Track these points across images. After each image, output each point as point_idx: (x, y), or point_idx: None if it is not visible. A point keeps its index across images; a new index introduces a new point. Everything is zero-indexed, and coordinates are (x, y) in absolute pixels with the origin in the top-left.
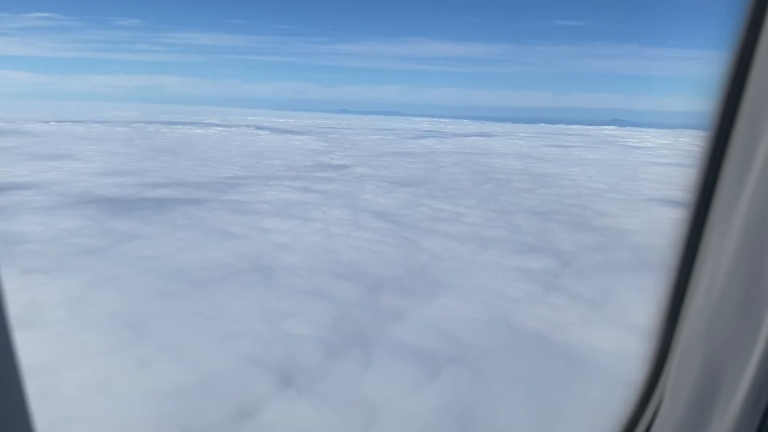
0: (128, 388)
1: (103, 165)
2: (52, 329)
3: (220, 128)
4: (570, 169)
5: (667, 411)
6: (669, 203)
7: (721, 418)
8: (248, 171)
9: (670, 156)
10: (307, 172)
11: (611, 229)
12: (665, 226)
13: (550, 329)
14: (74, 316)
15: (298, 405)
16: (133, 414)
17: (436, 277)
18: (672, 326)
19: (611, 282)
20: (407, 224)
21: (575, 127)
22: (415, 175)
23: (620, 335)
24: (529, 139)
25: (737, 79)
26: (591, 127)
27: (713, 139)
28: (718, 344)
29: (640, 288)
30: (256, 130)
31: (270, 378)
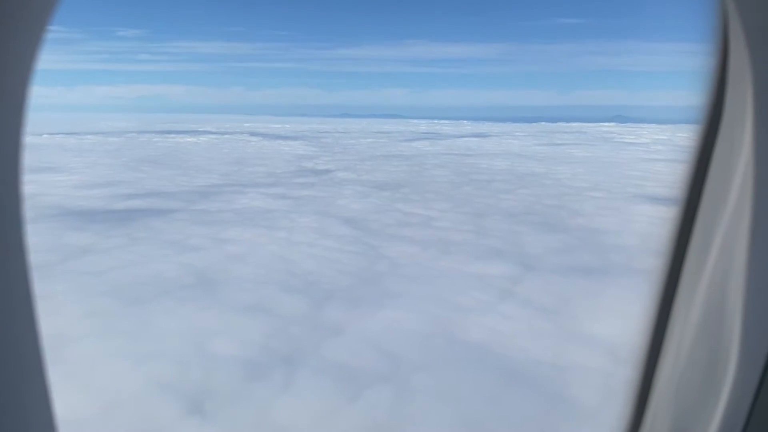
0: None
1: (82, 177)
2: None
3: (213, 136)
4: (556, 168)
5: None
6: (649, 200)
7: None
8: (227, 179)
9: (663, 152)
10: (287, 178)
11: (583, 229)
12: (639, 225)
13: (495, 341)
14: None
15: None
16: None
17: (388, 287)
18: (649, 376)
19: (570, 287)
20: (374, 230)
21: (575, 124)
22: (397, 178)
23: (566, 347)
24: (524, 139)
25: (720, 77)
26: (590, 125)
27: (701, 139)
28: (687, 401)
29: (598, 293)
30: (249, 137)
31: (178, 403)
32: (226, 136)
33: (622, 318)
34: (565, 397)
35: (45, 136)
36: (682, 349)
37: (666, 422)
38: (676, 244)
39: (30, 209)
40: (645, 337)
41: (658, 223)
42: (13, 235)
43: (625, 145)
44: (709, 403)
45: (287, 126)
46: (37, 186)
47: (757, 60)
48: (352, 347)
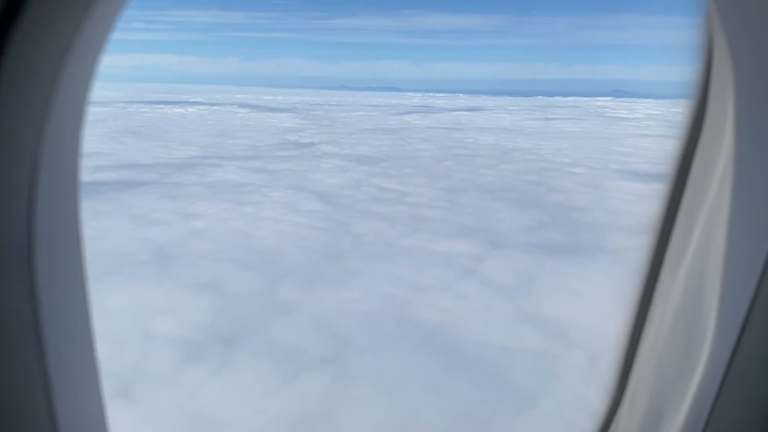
0: None
1: None
2: None
3: (202, 107)
4: (542, 143)
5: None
6: (629, 176)
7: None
8: (206, 151)
9: (653, 127)
10: (267, 152)
11: (558, 206)
12: (615, 203)
13: (447, 323)
14: None
15: (119, 417)
16: None
17: (349, 265)
18: (632, 352)
19: (534, 267)
20: (345, 206)
21: (571, 99)
22: (380, 152)
23: (520, 329)
24: (516, 113)
25: (707, 56)
26: (586, 99)
27: (690, 119)
28: (666, 374)
29: (561, 272)
30: (238, 109)
31: (104, 386)
32: (215, 107)
33: (582, 299)
34: (507, 382)
35: None
36: (663, 323)
37: (647, 392)
38: (662, 223)
39: None
40: (629, 311)
41: (633, 201)
42: (70, 227)
43: (616, 120)
44: (686, 374)
45: (280, 98)
46: None
47: (734, 44)
48: (299, 328)
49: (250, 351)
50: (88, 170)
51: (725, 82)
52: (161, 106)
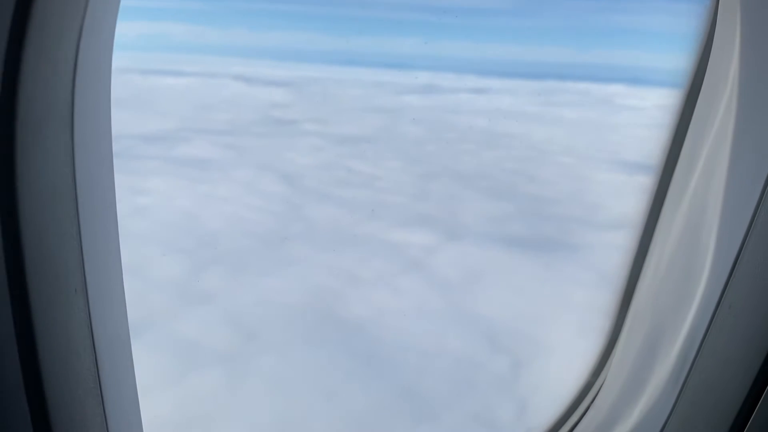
0: None
1: None
2: None
3: (195, 78)
4: (536, 129)
5: (617, 367)
6: (617, 167)
7: (661, 369)
8: (182, 124)
9: (659, 117)
10: (245, 127)
11: (531, 197)
12: (593, 196)
13: (374, 320)
14: None
15: None
16: None
17: (290, 253)
18: (626, 302)
19: (487, 262)
20: (308, 189)
21: (583, 84)
22: (364, 133)
23: (450, 330)
24: (520, 96)
25: (707, 43)
26: (598, 85)
27: (682, 104)
28: (662, 307)
29: (514, 269)
30: (231, 81)
31: None
32: (208, 78)
33: (526, 299)
34: (415, 390)
35: None
36: (662, 259)
37: (644, 324)
38: (664, 164)
39: None
40: (630, 248)
41: (613, 194)
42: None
43: (622, 109)
44: (682, 307)
45: (280, 72)
46: None
47: (745, 24)
48: (209, 320)
49: (144, 344)
50: None
51: (729, 41)
52: (153, 76)
